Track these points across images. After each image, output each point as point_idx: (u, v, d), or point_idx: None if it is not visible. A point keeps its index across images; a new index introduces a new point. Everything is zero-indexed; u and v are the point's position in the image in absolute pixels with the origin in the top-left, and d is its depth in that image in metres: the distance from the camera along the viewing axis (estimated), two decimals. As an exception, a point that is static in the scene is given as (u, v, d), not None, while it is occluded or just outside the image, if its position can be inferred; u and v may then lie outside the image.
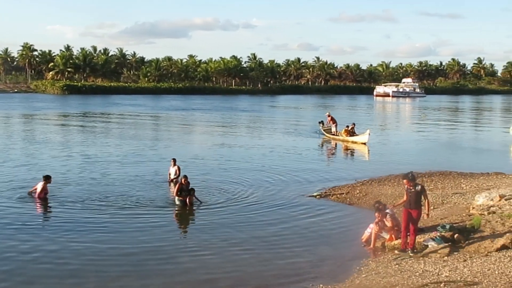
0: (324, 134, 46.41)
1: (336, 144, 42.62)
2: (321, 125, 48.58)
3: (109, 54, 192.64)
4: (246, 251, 15.02)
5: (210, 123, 63.62)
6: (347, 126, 44.05)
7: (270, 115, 78.26)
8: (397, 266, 13.19)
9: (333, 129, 46.21)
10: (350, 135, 42.98)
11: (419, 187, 14.30)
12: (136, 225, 17.58)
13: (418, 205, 14.25)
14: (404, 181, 14.59)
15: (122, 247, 15.39)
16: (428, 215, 14.72)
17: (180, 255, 14.77)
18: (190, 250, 15.26)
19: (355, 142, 41.54)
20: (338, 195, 21.95)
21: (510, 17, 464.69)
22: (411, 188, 14.20)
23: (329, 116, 47.97)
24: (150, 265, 13.87)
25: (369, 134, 40.50)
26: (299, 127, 57.57)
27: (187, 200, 20.10)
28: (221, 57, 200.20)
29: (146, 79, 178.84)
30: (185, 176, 20.84)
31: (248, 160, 31.76)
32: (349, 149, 39.78)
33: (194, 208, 19.95)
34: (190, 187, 20.48)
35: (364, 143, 40.40)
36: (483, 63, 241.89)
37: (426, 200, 14.44)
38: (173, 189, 21.48)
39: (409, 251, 14.12)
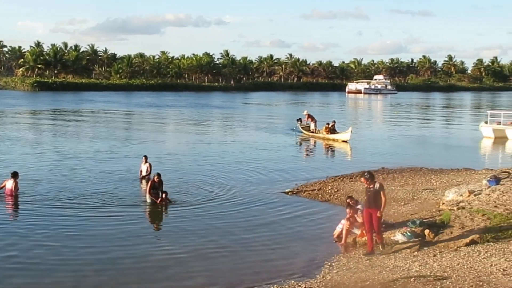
0: (302, 132, 45.81)
1: (315, 142, 42.25)
2: (299, 122, 47.51)
3: (80, 51, 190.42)
4: (218, 249, 15.01)
5: (183, 120, 63.43)
6: (328, 124, 43.51)
7: (244, 112, 78.22)
8: (368, 261, 13.30)
9: (312, 127, 45.44)
10: (331, 133, 42.36)
11: (378, 185, 14.05)
12: (108, 223, 17.47)
13: (378, 204, 13.98)
14: (362, 179, 14.51)
15: (95, 245, 15.27)
16: (380, 214, 14.16)
17: (153, 253, 14.71)
18: (163, 248, 15.21)
19: (336, 140, 41.01)
20: (310, 192, 22.03)
21: (480, 14, 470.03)
22: (370, 187, 14.04)
23: (307, 114, 47.10)
24: (124, 264, 13.83)
25: (351, 132, 40.05)
26: (274, 124, 57.65)
27: (161, 197, 20.01)
28: (193, 54, 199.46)
29: (118, 75, 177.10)
30: (158, 174, 20.71)
31: (221, 157, 31.76)
32: (330, 147, 39.30)
33: (167, 206, 19.85)
34: (163, 189, 20.40)
35: (346, 141, 39.89)
36: (454, 60, 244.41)
37: (383, 199, 14.00)
38: (145, 186, 21.37)
39: (380, 246, 14.16)
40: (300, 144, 41.90)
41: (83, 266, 13.66)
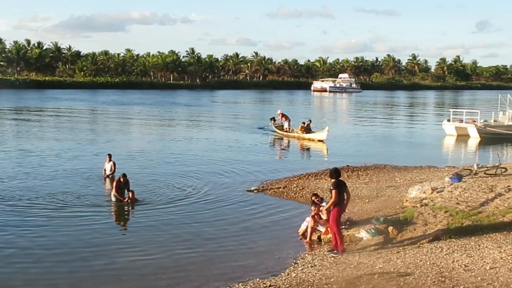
0: (275, 131, 45.15)
1: (289, 141, 41.68)
2: (272, 121, 46.81)
3: (44, 48, 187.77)
4: (184, 248, 14.94)
5: (150, 118, 63.07)
6: (303, 123, 42.87)
7: (213, 110, 78.04)
8: (332, 258, 13.37)
9: (285, 126, 44.73)
10: (306, 132, 41.75)
11: (331, 184, 14.09)
12: (73, 224, 17.18)
13: (336, 202, 13.82)
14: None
15: (60, 247, 15.00)
16: (323, 209, 14.17)
17: (120, 253, 14.57)
18: (129, 248, 15.06)
19: (312, 140, 40.34)
20: (275, 190, 22.08)
21: (444, 14, 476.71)
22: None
23: (280, 113, 46.31)
24: (90, 265, 13.65)
25: (328, 131, 39.35)
26: (244, 122, 57.57)
27: (128, 197, 19.84)
28: (159, 52, 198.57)
29: (82, 73, 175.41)
30: (124, 175, 20.54)
31: (188, 156, 31.70)
32: (305, 146, 38.83)
33: (133, 205, 19.71)
34: (130, 188, 20.26)
35: (322, 140, 39.24)
36: (418, 59, 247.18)
37: (331, 197, 13.94)
38: (109, 185, 21.17)
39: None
40: (274, 143, 41.40)
41: (49, 268, 13.42)
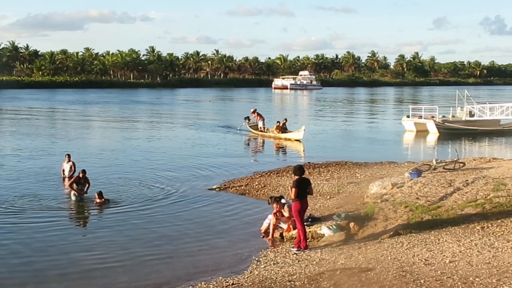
0: (250, 131, 43.83)
1: (263, 141, 40.63)
2: (246, 121, 45.18)
3: (0, 47, 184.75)
4: (144, 249, 14.80)
5: (111, 117, 62.45)
6: (278, 122, 41.67)
7: (175, 108, 77.57)
8: (295, 255, 13.41)
9: (260, 125, 43.39)
10: (282, 132, 40.58)
11: (292, 182, 14.17)
12: (30, 229, 16.70)
13: (295, 198, 13.96)
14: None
15: (11, 254, 14.49)
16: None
17: (78, 255, 14.37)
18: (87, 251, 14.85)
19: (289, 139, 39.37)
20: (237, 187, 22.06)
21: (401, 11, 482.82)
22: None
23: (254, 112, 44.94)
24: (48, 269, 13.45)
25: (304, 130, 38.44)
26: (207, 120, 57.32)
27: (96, 198, 19.65)
28: (118, 50, 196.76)
29: (41, 72, 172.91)
30: (83, 171, 20.40)
31: (148, 155, 31.45)
32: (281, 146, 37.74)
33: (92, 206, 19.47)
34: (89, 186, 20.04)
35: (299, 140, 38.32)
36: (377, 56, 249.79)
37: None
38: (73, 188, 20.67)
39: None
40: (248, 143, 40.38)
41: (3, 278, 12.98)
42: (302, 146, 36.97)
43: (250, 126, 44.38)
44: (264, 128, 43.05)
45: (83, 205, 19.51)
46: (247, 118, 45.44)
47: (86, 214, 19.03)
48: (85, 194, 20.03)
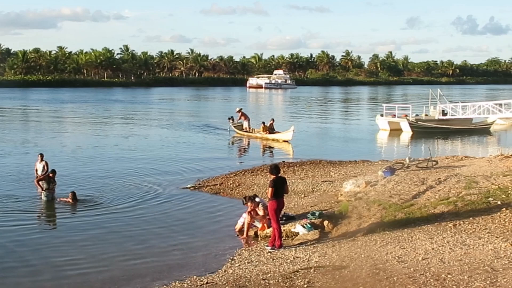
0: (235, 131, 42.69)
1: (249, 142, 39.55)
2: (231, 121, 43.76)
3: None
4: (118, 249, 14.73)
5: (87, 117, 61.77)
6: (263, 123, 40.47)
7: (150, 107, 77.11)
8: (269, 254, 13.44)
9: (245, 125, 42.30)
10: (270, 132, 39.42)
11: (270, 181, 14.16)
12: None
13: (272, 197, 13.94)
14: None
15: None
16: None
17: (50, 256, 14.28)
18: (59, 250, 14.75)
19: (276, 140, 38.41)
20: (211, 187, 22.03)
21: (374, 11, 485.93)
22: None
23: (240, 111, 43.57)
24: (20, 269, 13.31)
25: (294, 131, 37.58)
26: (184, 119, 57.05)
27: (69, 197, 19.50)
28: (92, 49, 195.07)
29: (13, 71, 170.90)
30: (53, 171, 20.23)
31: (123, 154, 31.36)
32: (268, 147, 36.65)
33: (64, 206, 19.31)
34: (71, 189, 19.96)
35: (287, 141, 37.46)
36: (351, 55, 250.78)
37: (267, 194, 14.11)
38: (41, 185, 20.45)
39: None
40: (232, 144, 39.39)
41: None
42: (291, 147, 36.08)
43: (234, 126, 43.26)
44: (249, 128, 42.05)
45: (55, 206, 19.32)
46: (231, 118, 44.09)
47: (58, 215, 18.77)
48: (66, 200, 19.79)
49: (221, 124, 46.95)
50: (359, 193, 17.56)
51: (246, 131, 41.84)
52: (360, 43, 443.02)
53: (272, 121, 40.70)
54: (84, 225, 17.19)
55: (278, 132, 39.39)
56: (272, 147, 36.52)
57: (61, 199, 19.76)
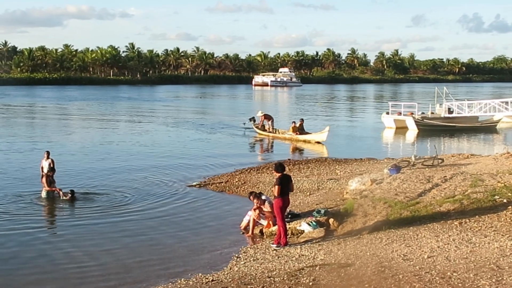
0: (258, 132, 40.87)
1: (272, 142, 37.88)
2: (252, 122, 42.28)
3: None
4: (123, 246, 14.78)
5: (94, 114, 61.82)
6: (294, 123, 38.51)
7: (161, 105, 77.19)
8: (274, 251, 13.43)
9: (267, 126, 40.57)
10: (300, 133, 37.47)
11: (276, 179, 14.09)
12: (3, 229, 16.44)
13: (278, 195, 13.90)
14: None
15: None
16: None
17: (52, 253, 14.31)
18: (62, 248, 14.79)
19: (308, 141, 36.57)
20: (217, 184, 22.06)
21: (379, 8, 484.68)
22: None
23: (262, 115, 41.63)
24: (22, 269, 13.34)
25: (329, 131, 35.53)
26: (192, 117, 57.02)
27: (69, 193, 19.54)
28: (98, 47, 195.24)
29: (19, 69, 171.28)
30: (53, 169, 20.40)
31: (130, 152, 31.56)
32: (297, 148, 34.95)
33: (67, 204, 19.41)
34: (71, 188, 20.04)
35: (320, 142, 35.65)
36: (357, 53, 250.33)
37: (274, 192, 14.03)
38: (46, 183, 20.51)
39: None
40: (254, 145, 38.00)
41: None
42: (325, 148, 34.15)
43: (256, 127, 41.63)
44: (272, 128, 40.44)
45: (58, 203, 19.45)
46: (253, 118, 42.62)
47: (61, 212, 18.80)
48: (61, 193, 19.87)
49: (232, 121, 46.61)
50: (364, 191, 17.55)
51: (270, 132, 40.17)
52: (366, 41, 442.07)
53: (301, 121, 38.56)
54: (87, 223, 17.18)
55: (309, 133, 37.71)
56: (301, 148, 35.03)
57: (60, 192, 19.80)
